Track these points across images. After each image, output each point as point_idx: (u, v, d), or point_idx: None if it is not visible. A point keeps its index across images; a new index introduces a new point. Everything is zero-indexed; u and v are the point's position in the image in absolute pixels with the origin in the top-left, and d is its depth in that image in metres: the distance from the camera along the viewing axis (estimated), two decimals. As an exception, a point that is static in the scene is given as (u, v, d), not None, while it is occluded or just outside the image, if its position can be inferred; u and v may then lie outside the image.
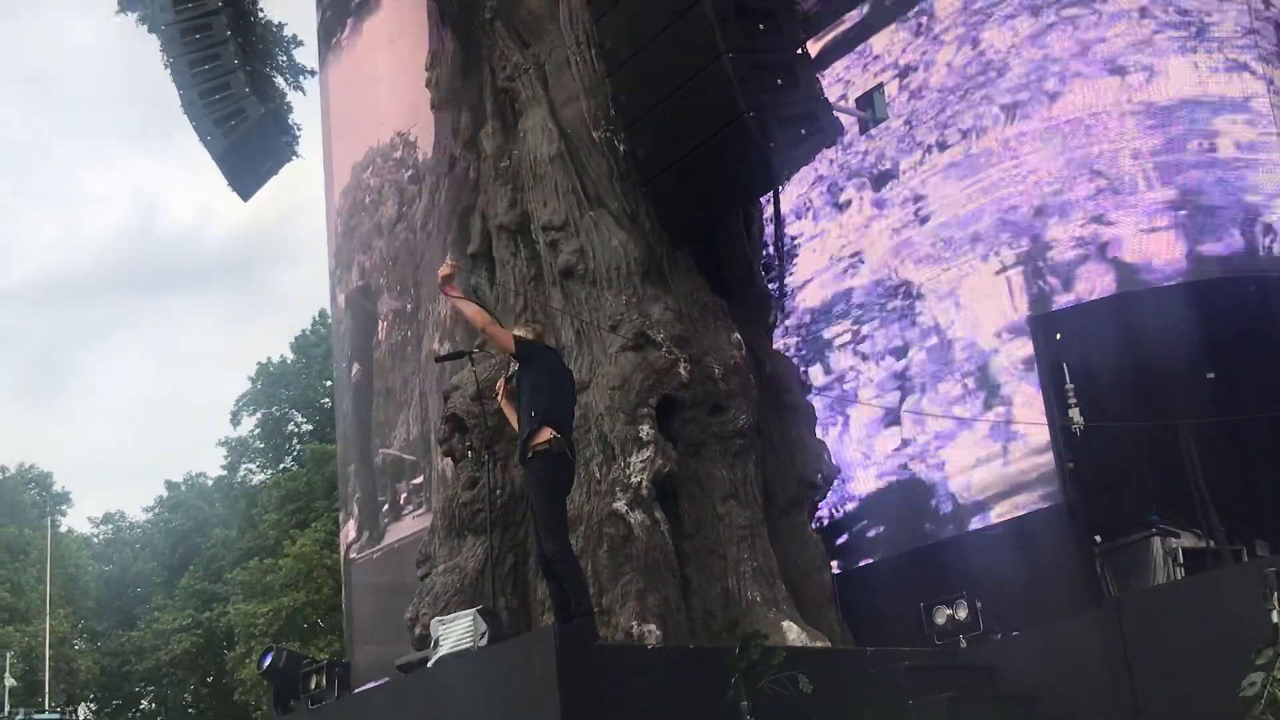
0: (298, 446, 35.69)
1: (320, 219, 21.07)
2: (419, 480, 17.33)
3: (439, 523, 11.04)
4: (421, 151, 17.71)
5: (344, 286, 19.64)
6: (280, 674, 11.49)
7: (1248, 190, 11.78)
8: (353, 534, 18.69)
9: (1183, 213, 11.81)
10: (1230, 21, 12.14)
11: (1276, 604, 5.74)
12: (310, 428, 35.96)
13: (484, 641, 8.45)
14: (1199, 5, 12.23)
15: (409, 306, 18.29)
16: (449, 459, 11.56)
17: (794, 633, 9.46)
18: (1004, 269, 12.32)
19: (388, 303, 18.81)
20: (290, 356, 36.69)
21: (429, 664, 8.78)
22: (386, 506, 18.04)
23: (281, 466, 36.18)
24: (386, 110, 18.43)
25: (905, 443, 12.86)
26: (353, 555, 18.57)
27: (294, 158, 14.79)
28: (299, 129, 15.03)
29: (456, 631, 8.59)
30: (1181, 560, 10.44)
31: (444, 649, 8.63)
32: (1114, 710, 8.17)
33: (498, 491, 10.40)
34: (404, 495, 17.62)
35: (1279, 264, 11.69)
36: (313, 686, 10.94)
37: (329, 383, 30.13)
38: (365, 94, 19.14)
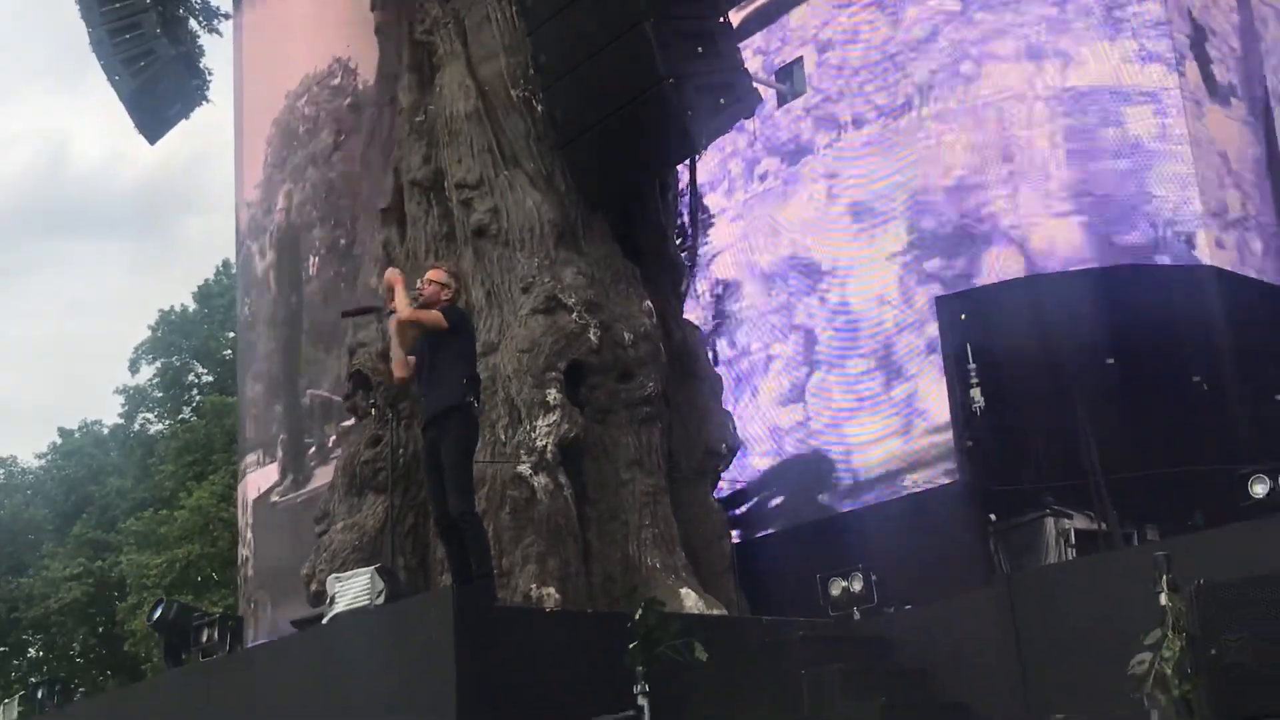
0: (197, 398, 35.14)
1: (231, 166, 20.73)
2: (350, 423, 16.80)
3: (339, 480, 10.93)
4: (362, 79, 17.11)
5: (271, 218, 19.10)
6: (170, 626, 11.32)
7: (1154, 180, 11.99)
8: (274, 476, 18.19)
9: (1089, 200, 11.98)
10: (1146, 12, 12.30)
11: (1166, 587, 5.85)
12: (211, 379, 35.42)
13: (381, 600, 8.36)
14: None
15: (343, 241, 17.69)
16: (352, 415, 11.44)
17: (692, 600, 9.50)
18: (913, 248, 12.42)
19: (320, 236, 18.15)
20: (192, 306, 36.10)
21: (324, 620, 8.69)
22: (314, 449, 17.58)
23: (180, 417, 35.60)
24: (316, 42, 17.91)
25: (809, 417, 12.95)
26: (274, 499, 18.12)
27: (204, 102, 14.51)
28: (210, 73, 14.74)
29: (353, 589, 8.49)
30: (1074, 541, 10.64)
31: (340, 606, 8.53)
32: (1003, 685, 8.30)
33: (400, 450, 10.32)
34: (332, 439, 17.07)
35: (1180, 253, 11.90)
36: (204, 640, 10.79)
37: (232, 334, 29.67)
38: (292, 25, 18.59)
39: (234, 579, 22.25)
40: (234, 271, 25.13)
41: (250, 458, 19.37)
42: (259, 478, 18.65)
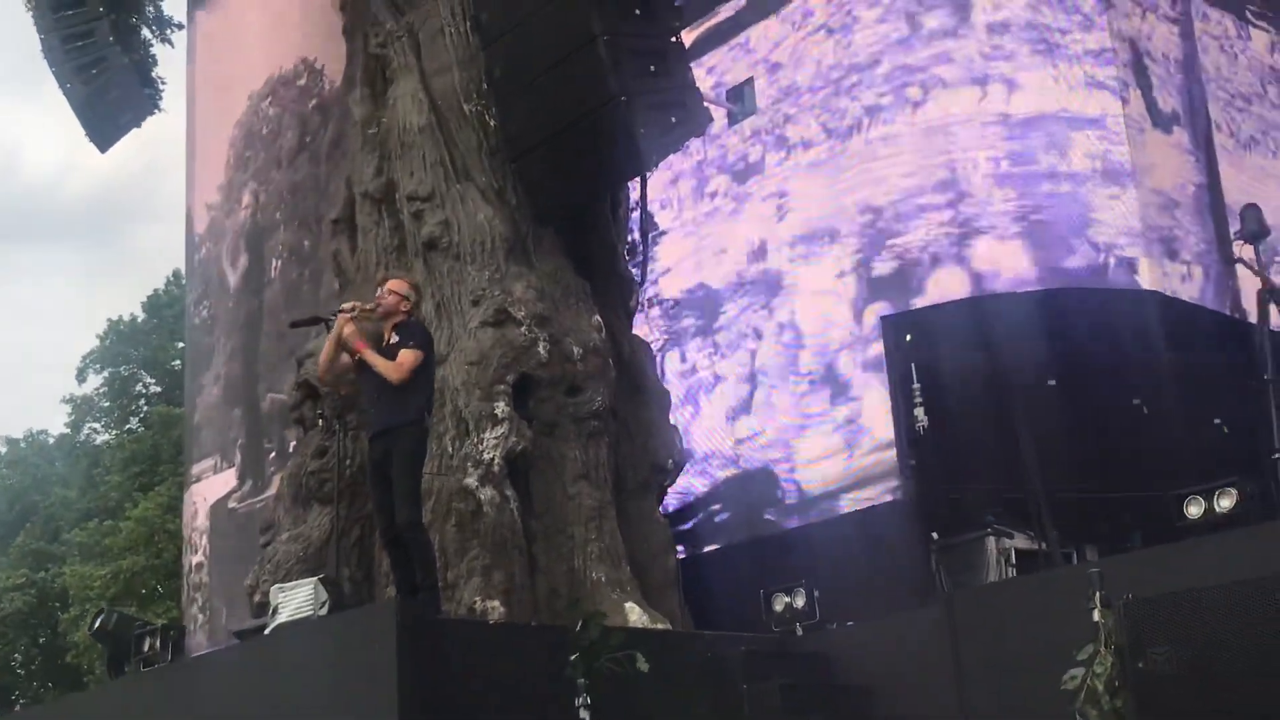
0: (145, 408, 34.84)
1: (182, 176, 20.60)
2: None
3: (285, 490, 10.91)
4: (329, 80, 16.85)
5: (234, 220, 18.89)
6: (111, 636, 11.26)
7: (1097, 206, 12.17)
8: (232, 482, 17.97)
9: (1033, 224, 12.14)
10: (1091, 40, 12.50)
11: (1098, 603, 5.95)
12: (159, 389, 35.12)
13: (324, 611, 8.35)
14: (1061, 22, 12.57)
15: (306, 244, 17.43)
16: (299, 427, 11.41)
17: (636, 614, 9.55)
18: (859, 268, 12.55)
19: (283, 239, 17.88)
20: (141, 316, 35.80)
21: (266, 631, 8.66)
22: (273, 454, 17.33)
23: (127, 428, 35.29)
24: (281, 43, 17.76)
25: (755, 433, 13.03)
26: (232, 505, 17.92)
27: (156, 111, 14.47)
28: (164, 83, 14.69)
29: (296, 599, 8.46)
30: (1014, 561, 10.76)
31: (282, 617, 8.51)
32: (942, 701, 8.39)
33: (347, 462, 10.30)
34: (293, 444, 16.74)
35: (1122, 278, 12.08)
36: (145, 649, 10.73)
37: (181, 344, 29.44)
38: (252, 28, 18.45)
39: (178, 591, 22.06)
40: (184, 282, 24.92)
41: (205, 463, 19.13)
42: (216, 484, 18.43)
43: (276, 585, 8.95)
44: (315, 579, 8.63)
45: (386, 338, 8.38)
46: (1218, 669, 5.35)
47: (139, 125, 14.41)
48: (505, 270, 10.48)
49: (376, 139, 11.27)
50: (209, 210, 19.74)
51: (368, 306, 8.45)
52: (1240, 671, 5.31)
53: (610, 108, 9.74)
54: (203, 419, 19.44)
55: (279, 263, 17.92)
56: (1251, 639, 5.35)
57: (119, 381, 35.85)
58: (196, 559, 18.93)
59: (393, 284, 8.42)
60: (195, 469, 19.44)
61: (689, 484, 13.04)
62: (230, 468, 18.21)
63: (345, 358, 8.36)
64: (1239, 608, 5.43)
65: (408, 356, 8.04)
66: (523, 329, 10.18)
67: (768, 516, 12.80)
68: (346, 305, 8.48)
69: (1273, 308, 9.33)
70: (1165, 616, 5.56)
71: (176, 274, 33.86)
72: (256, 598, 10.11)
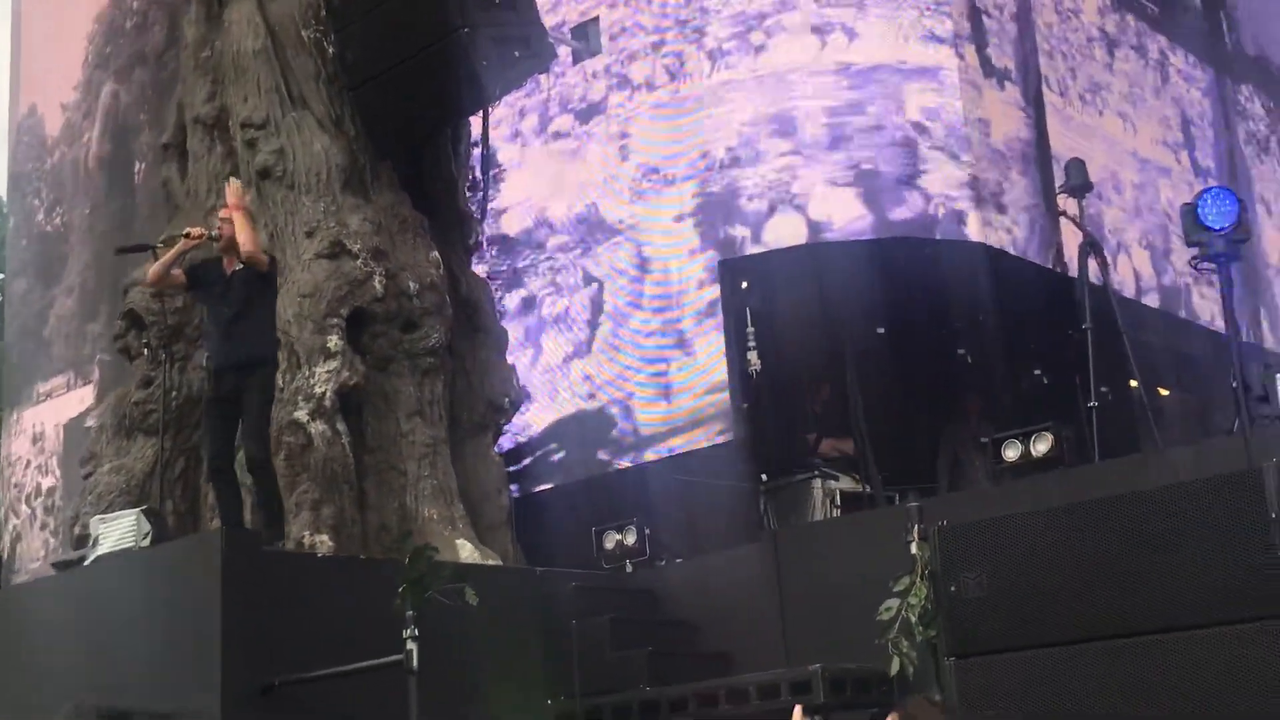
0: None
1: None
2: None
3: (108, 420, 10.63)
4: None
5: (91, 120, 17.89)
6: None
7: (926, 159, 12.42)
8: (89, 400, 17.08)
9: (866, 172, 12.35)
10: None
11: (916, 536, 6.15)
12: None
13: (146, 542, 8.20)
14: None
15: None
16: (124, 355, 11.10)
17: (467, 551, 9.56)
18: (698, 212, 12.64)
19: (148, 140, 16.26)
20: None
21: (85, 562, 8.47)
22: None
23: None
24: None
25: (592, 373, 13.09)
26: (89, 423, 17.01)
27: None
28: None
29: (118, 530, 8.30)
30: (839, 502, 11.09)
31: (103, 548, 8.34)
32: (766, 636, 8.61)
33: (173, 393, 10.07)
34: None
35: (951, 230, 12.37)
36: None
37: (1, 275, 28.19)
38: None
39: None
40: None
41: (56, 380, 18.18)
42: (70, 401, 17.43)
43: (98, 516, 8.78)
44: (138, 510, 8.49)
45: (229, 266, 8.38)
46: (1025, 590, 5.58)
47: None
48: (341, 202, 10.31)
49: (209, 63, 10.95)
50: (64, 110, 18.67)
51: (211, 234, 8.41)
52: (1046, 591, 5.55)
53: (453, 39, 9.63)
54: (53, 333, 18.41)
55: (143, 166, 16.66)
56: (1058, 560, 5.59)
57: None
58: (48, 482, 18.01)
59: (233, 202, 8.45)
60: (43, 387, 18.44)
61: (526, 423, 13.04)
62: (86, 384, 17.22)
63: (178, 273, 8.32)
64: (1047, 531, 5.67)
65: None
66: (358, 262, 10.04)
67: (603, 456, 12.89)
68: (194, 230, 8.40)
69: (1092, 260, 9.65)
70: (977, 542, 5.78)
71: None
72: (76, 529, 9.86)
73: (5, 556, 17.06)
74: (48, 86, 19.04)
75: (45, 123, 19.16)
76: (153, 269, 8.57)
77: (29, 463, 18.87)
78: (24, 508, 18.41)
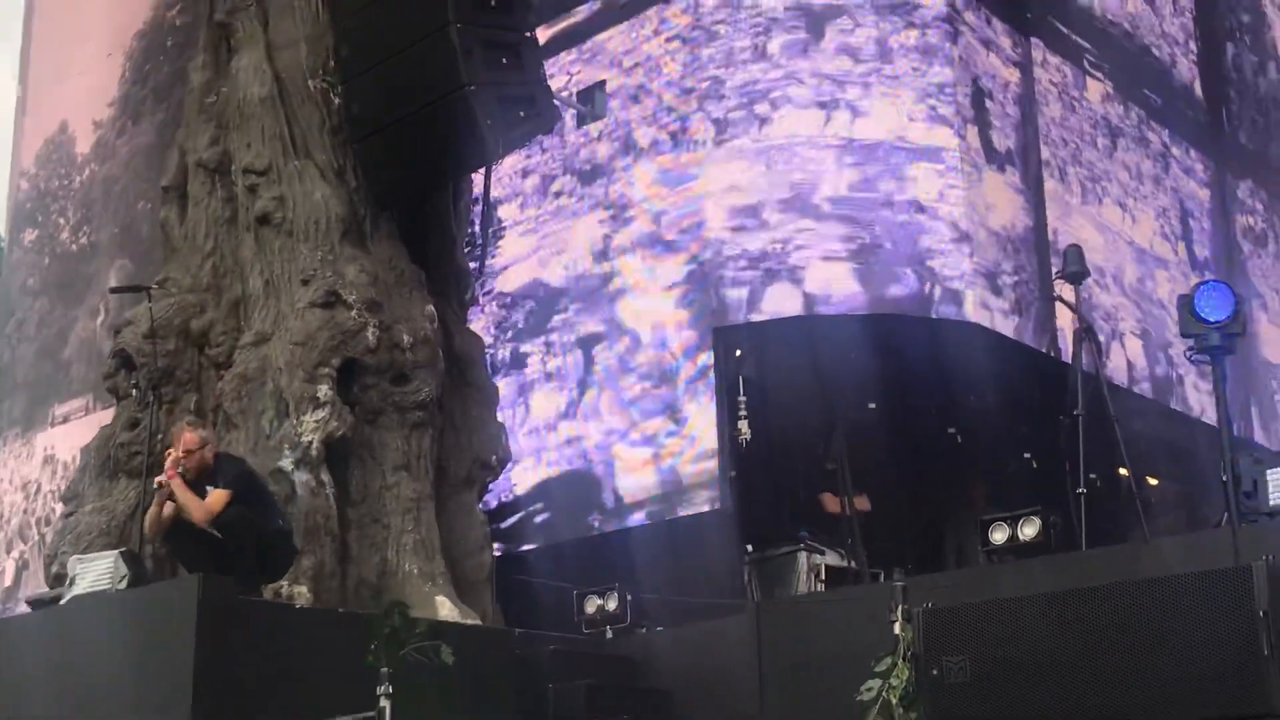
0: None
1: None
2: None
3: (92, 460, 10.56)
4: None
5: (128, 141, 17.83)
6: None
7: (928, 237, 12.46)
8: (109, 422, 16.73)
9: (864, 249, 12.39)
10: (936, 73, 12.81)
11: (900, 616, 6.10)
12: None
13: (123, 585, 8.12)
14: (911, 52, 12.84)
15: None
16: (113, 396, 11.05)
17: (446, 608, 9.48)
18: (694, 278, 12.65)
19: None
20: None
21: (61, 602, 8.38)
22: None
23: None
24: None
25: (581, 435, 13.05)
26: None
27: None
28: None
29: (94, 571, 8.23)
30: (823, 576, 11.03)
31: (79, 588, 8.25)
32: (743, 708, 8.51)
33: (159, 435, 10.01)
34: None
35: (947, 309, 12.39)
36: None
37: None
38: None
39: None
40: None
41: (74, 403, 17.95)
42: (88, 425, 17.13)
43: (76, 556, 8.70)
44: (116, 552, 8.41)
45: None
46: (1008, 677, 5.52)
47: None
48: (339, 252, 10.31)
49: (214, 108, 11.00)
50: (96, 127, 18.65)
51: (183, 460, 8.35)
52: (1029, 679, 5.49)
53: (458, 96, 9.67)
54: (74, 354, 18.23)
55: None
56: (1041, 648, 5.54)
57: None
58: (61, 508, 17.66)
59: (188, 437, 8.43)
60: (60, 409, 18.22)
61: (512, 482, 12.98)
62: (106, 408, 16.97)
63: (168, 516, 8.32)
64: (1030, 619, 5.62)
65: (217, 497, 8.24)
66: (353, 313, 10.03)
67: (588, 520, 12.82)
68: (161, 480, 8.35)
69: (1086, 347, 9.64)
70: (961, 625, 5.73)
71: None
72: (55, 568, 9.76)
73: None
74: (79, 103, 18.96)
75: (76, 140, 19.11)
76: (150, 530, 8.59)
77: (39, 487, 18.59)
78: (34, 533, 18.13)
